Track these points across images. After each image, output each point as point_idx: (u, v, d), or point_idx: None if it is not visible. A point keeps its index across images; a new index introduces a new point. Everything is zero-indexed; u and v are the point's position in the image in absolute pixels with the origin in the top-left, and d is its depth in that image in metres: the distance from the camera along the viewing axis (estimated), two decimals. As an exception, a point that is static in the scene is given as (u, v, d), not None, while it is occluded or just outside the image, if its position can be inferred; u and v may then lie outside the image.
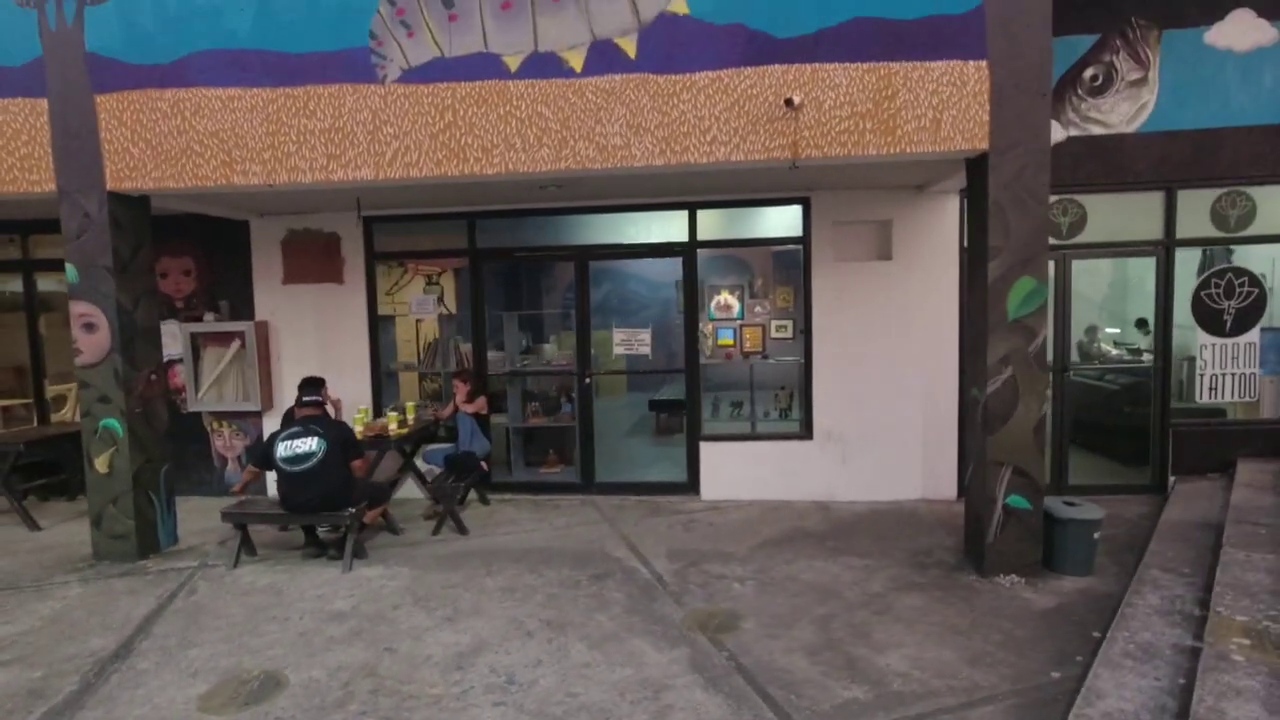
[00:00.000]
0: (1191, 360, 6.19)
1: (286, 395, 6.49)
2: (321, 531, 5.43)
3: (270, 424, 6.56)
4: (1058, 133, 5.82)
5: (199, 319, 6.82)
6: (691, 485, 6.57)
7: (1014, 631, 3.85)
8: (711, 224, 6.50)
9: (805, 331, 6.37)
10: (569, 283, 6.80)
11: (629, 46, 4.54)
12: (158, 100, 4.87)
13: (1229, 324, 6.01)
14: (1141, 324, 6.66)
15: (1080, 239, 6.08)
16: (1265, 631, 3.22)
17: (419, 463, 6.57)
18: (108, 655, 3.82)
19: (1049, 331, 5.96)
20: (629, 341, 6.70)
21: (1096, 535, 4.52)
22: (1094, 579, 4.48)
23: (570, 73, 4.61)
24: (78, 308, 5.08)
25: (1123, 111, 5.82)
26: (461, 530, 5.69)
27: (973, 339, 4.80)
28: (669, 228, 6.52)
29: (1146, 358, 6.32)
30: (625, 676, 3.49)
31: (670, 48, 4.52)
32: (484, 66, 4.66)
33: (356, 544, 5.06)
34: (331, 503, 4.93)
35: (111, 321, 5.06)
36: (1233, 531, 4.47)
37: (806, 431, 6.39)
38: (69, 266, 5.05)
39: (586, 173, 4.78)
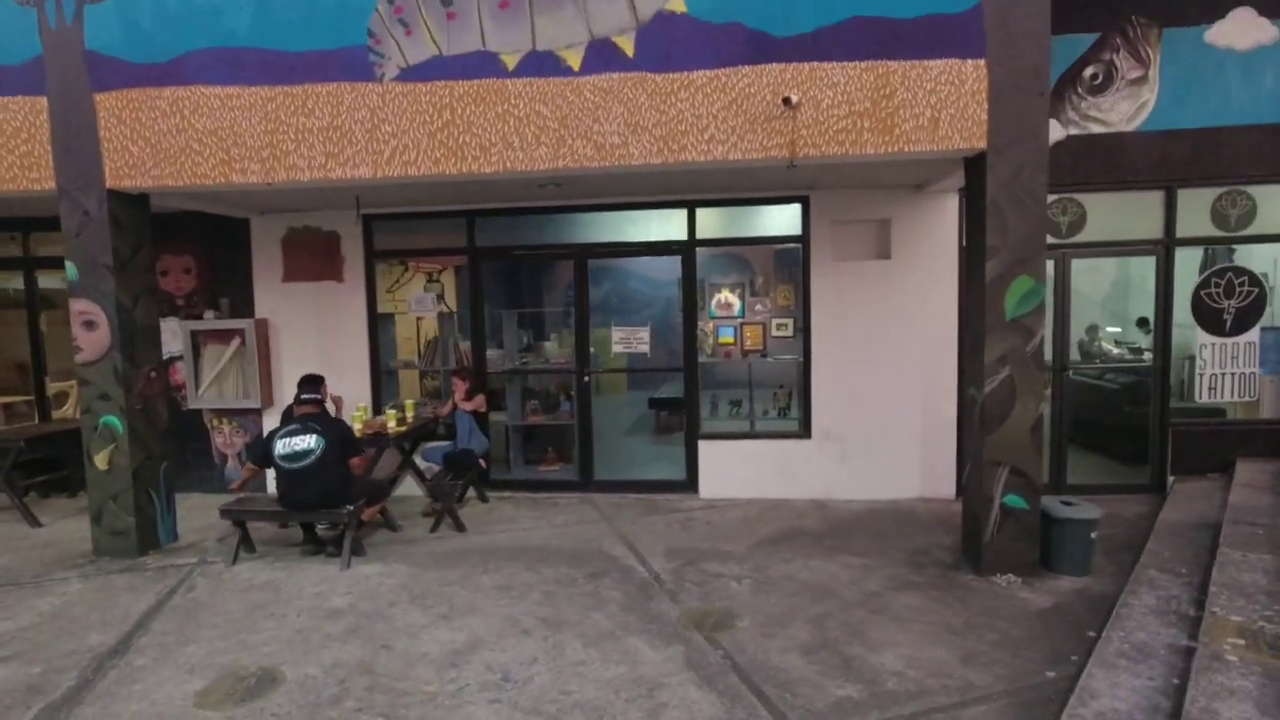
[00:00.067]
0: (1192, 359, 6.18)
1: (286, 393, 6.50)
2: (320, 529, 5.44)
3: (270, 421, 6.58)
4: (1057, 131, 5.81)
5: (199, 317, 6.84)
6: (690, 484, 6.57)
7: (1010, 631, 3.85)
8: (710, 222, 6.50)
9: (804, 330, 6.37)
10: (570, 281, 6.81)
11: (627, 45, 4.54)
12: (156, 99, 4.88)
13: (1229, 323, 6.00)
14: (1143, 323, 6.65)
15: (1080, 238, 6.07)
16: (1260, 632, 3.22)
17: (418, 460, 6.59)
18: (106, 651, 3.84)
19: (1048, 331, 6.03)
20: (628, 340, 6.71)
21: (1094, 535, 4.52)
22: (1091, 579, 4.48)
23: (568, 71, 4.62)
24: (78, 305, 5.10)
25: (1123, 110, 5.80)
26: (459, 528, 5.70)
27: (970, 338, 4.80)
28: (668, 226, 6.52)
29: (1147, 357, 6.31)
30: (620, 674, 3.50)
31: (668, 46, 4.52)
32: (482, 65, 4.66)
33: (355, 541, 5.08)
34: (329, 500, 4.95)
35: (111, 319, 5.08)
36: (1230, 532, 4.46)
37: (805, 430, 6.39)
38: (69, 264, 5.07)
39: (584, 171, 4.79)
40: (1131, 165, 5.86)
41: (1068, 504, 4.61)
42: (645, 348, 6.72)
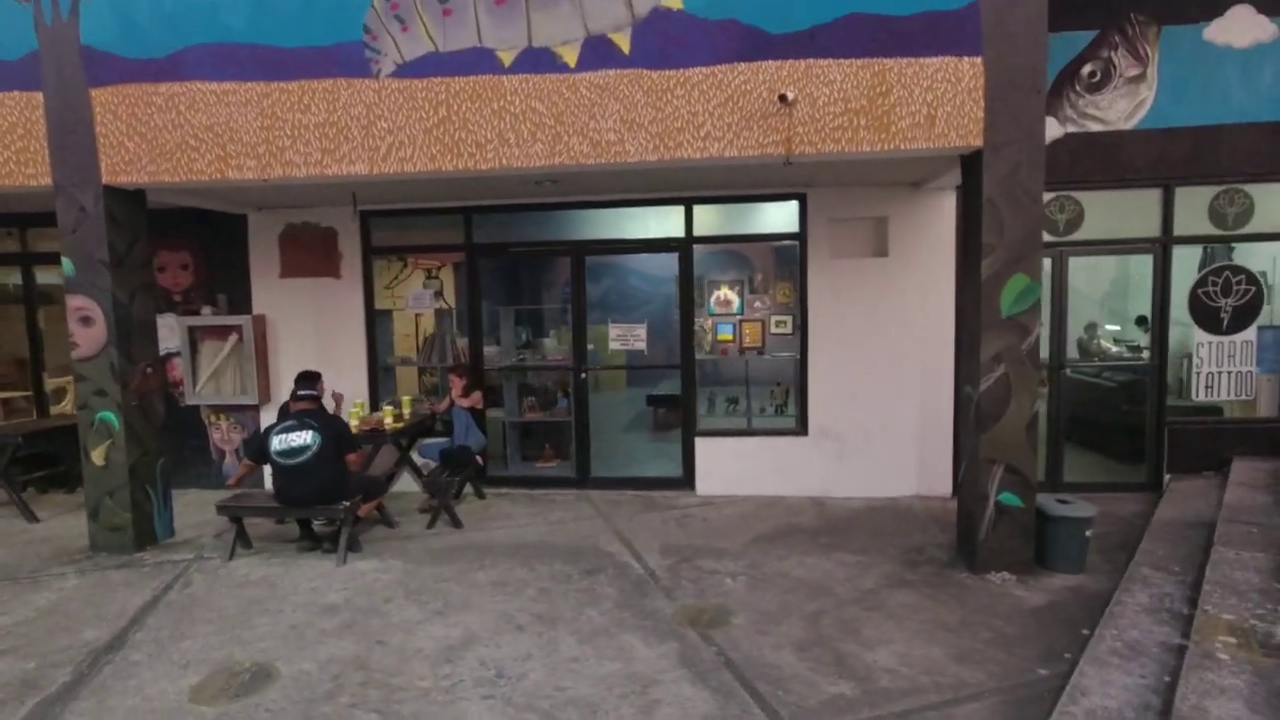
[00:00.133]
0: (1190, 358, 6.18)
1: (283, 389, 6.50)
2: (317, 525, 5.45)
3: (268, 417, 6.59)
4: (1055, 129, 5.80)
5: (196, 313, 6.84)
6: (687, 480, 6.58)
7: (1004, 629, 3.86)
8: (708, 220, 6.49)
9: (800, 328, 6.37)
10: (569, 278, 6.81)
11: (623, 42, 4.54)
12: (152, 94, 4.87)
13: (1226, 322, 6.00)
14: (1142, 321, 6.64)
15: (1077, 236, 6.07)
16: (1252, 630, 3.23)
17: (415, 457, 6.60)
18: (101, 646, 3.85)
19: (1045, 329, 6.04)
20: (624, 337, 6.71)
21: (1088, 533, 4.53)
22: (1085, 577, 4.48)
23: (564, 68, 4.61)
24: (74, 301, 5.10)
25: (1121, 108, 5.79)
26: (456, 524, 5.71)
27: (966, 336, 4.80)
28: (665, 223, 6.51)
29: (1146, 355, 6.31)
30: (614, 671, 3.50)
31: (664, 43, 4.51)
32: (478, 61, 4.66)
33: (351, 537, 5.09)
34: (326, 496, 4.95)
35: (108, 315, 5.08)
36: (1224, 530, 4.47)
37: (802, 427, 6.40)
38: (65, 260, 5.07)
39: (580, 168, 4.78)
40: (1129, 163, 5.85)
41: (1063, 502, 4.62)
42: (642, 345, 6.73)
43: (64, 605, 4.40)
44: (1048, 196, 5.91)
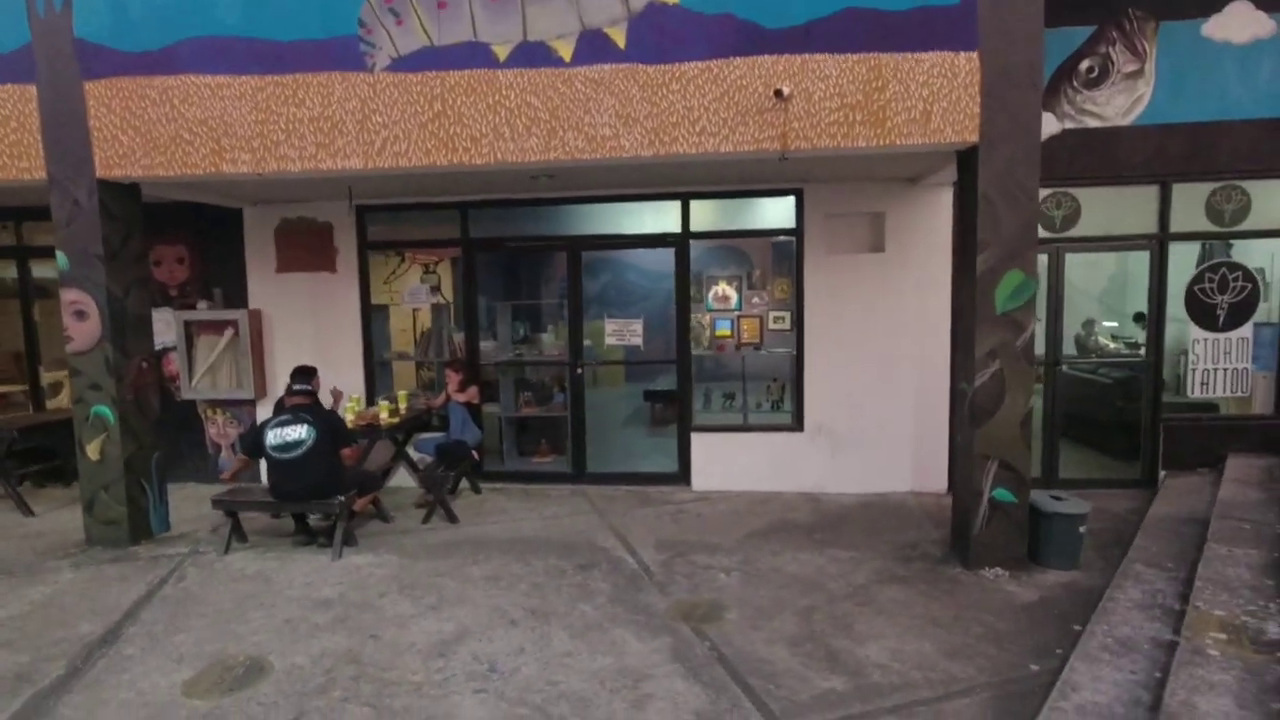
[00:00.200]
0: (1186, 355, 6.17)
1: (280, 384, 6.50)
2: (312, 519, 5.46)
3: (264, 412, 6.58)
4: (1053, 125, 5.78)
5: (192, 307, 6.83)
6: (682, 476, 6.58)
7: (995, 624, 3.87)
8: (704, 215, 6.48)
9: (797, 323, 6.37)
10: (566, 273, 6.79)
11: (618, 36, 4.52)
12: (146, 87, 4.85)
13: (1222, 319, 5.99)
14: (1139, 318, 6.64)
15: (1074, 232, 6.06)
16: (1242, 626, 3.23)
17: (411, 452, 6.60)
18: (95, 640, 3.86)
19: (1042, 325, 6.03)
20: (621, 332, 6.70)
21: (1082, 529, 4.53)
22: (1079, 573, 4.49)
23: (559, 62, 4.59)
24: (68, 295, 5.09)
25: (1118, 104, 5.78)
26: (451, 519, 5.71)
27: (961, 332, 4.79)
28: (661, 218, 6.50)
29: (1143, 352, 6.30)
30: (606, 665, 3.51)
31: (659, 38, 4.49)
32: (473, 55, 4.64)
33: (346, 532, 5.09)
34: (320, 491, 4.96)
35: (102, 309, 5.07)
36: (1218, 527, 4.47)
37: (797, 423, 6.40)
38: (59, 254, 5.06)
39: (576, 163, 4.77)
40: (1126, 159, 5.84)
41: (1057, 498, 4.62)
42: (638, 340, 6.72)
43: (59, 599, 4.40)
44: (1045, 193, 5.91)
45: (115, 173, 4.99)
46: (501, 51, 4.63)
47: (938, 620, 3.92)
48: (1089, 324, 7.28)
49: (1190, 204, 5.94)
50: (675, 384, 6.69)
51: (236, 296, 6.82)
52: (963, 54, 4.32)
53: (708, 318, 6.93)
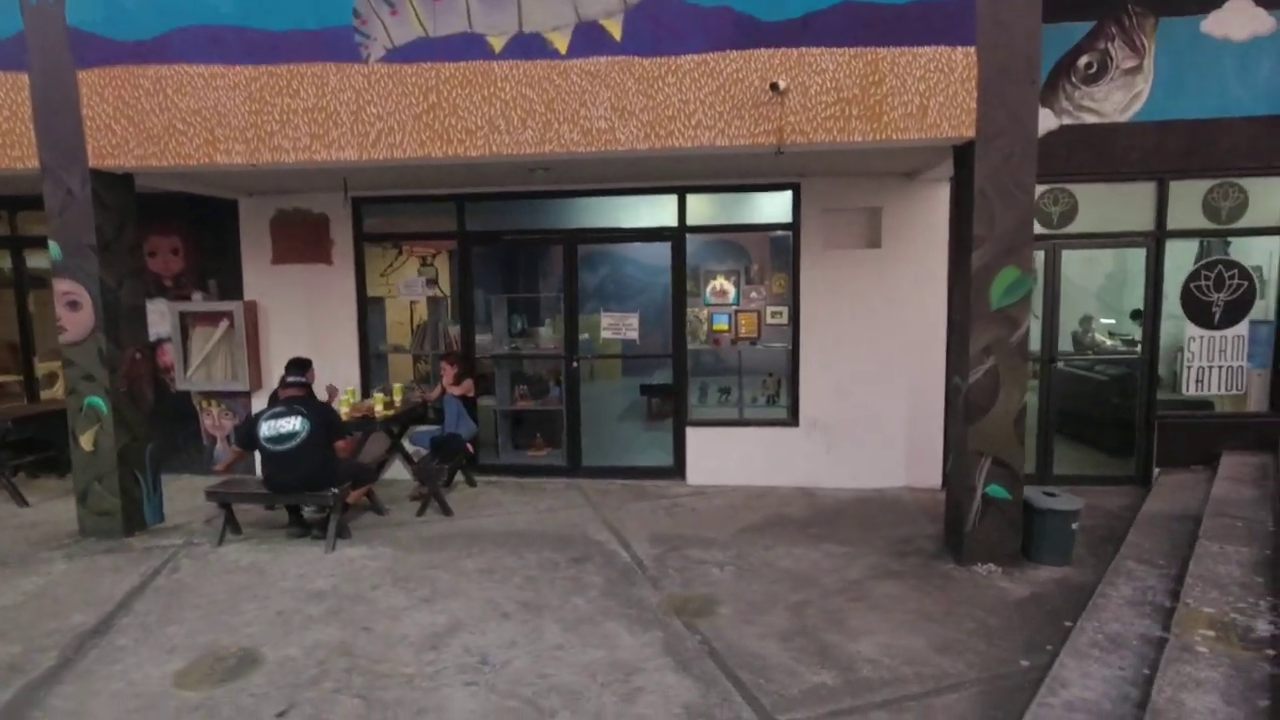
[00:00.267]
0: (1182, 352, 6.17)
1: (275, 375, 6.47)
2: (307, 511, 5.46)
3: (259, 404, 6.57)
4: (1051, 121, 5.76)
5: (188, 298, 6.81)
6: (677, 470, 6.59)
7: (987, 620, 3.88)
8: (701, 209, 6.47)
9: (793, 318, 6.36)
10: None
11: (614, 28, 4.49)
12: (140, 77, 4.83)
13: (1218, 316, 5.99)
14: (1137, 315, 6.64)
15: (1071, 229, 6.05)
16: (1232, 624, 3.24)
17: (406, 444, 6.59)
18: (88, 631, 3.86)
19: (1038, 321, 6.03)
20: (617, 326, 6.69)
21: (1075, 526, 4.54)
22: (1071, 569, 4.50)
23: (555, 54, 4.57)
24: (61, 285, 5.07)
25: (1117, 100, 5.76)
26: (446, 512, 5.72)
27: (956, 328, 4.79)
28: (658, 212, 6.48)
29: (1140, 349, 6.30)
30: (598, 659, 3.52)
31: (655, 30, 4.47)
32: (468, 47, 4.61)
33: (340, 524, 5.09)
34: (314, 483, 4.95)
35: (95, 299, 5.06)
36: (1210, 524, 4.48)
37: (793, 418, 6.40)
38: (52, 244, 5.04)
39: (571, 156, 4.75)
40: (1124, 156, 5.82)
41: (1050, 495, 4.63)
42: (634, 334, 6.71)
43: (51, 590, 4.40)
44: (1042, 189, 5.90)
45: (108, 162, 4.96)
46: (497, 43, 4.60)
47: (930, 615, 3.93)
48: (1086, 321, 7.27)
49: (1187, 201, 5.92)
50: (671, 378, 6.68)
51: (232, 288, 6.80)
52: (960, 49, 4.30)
53: (705, 312, 6.91)
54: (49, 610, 4.12)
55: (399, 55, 4.67)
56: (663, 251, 6.53)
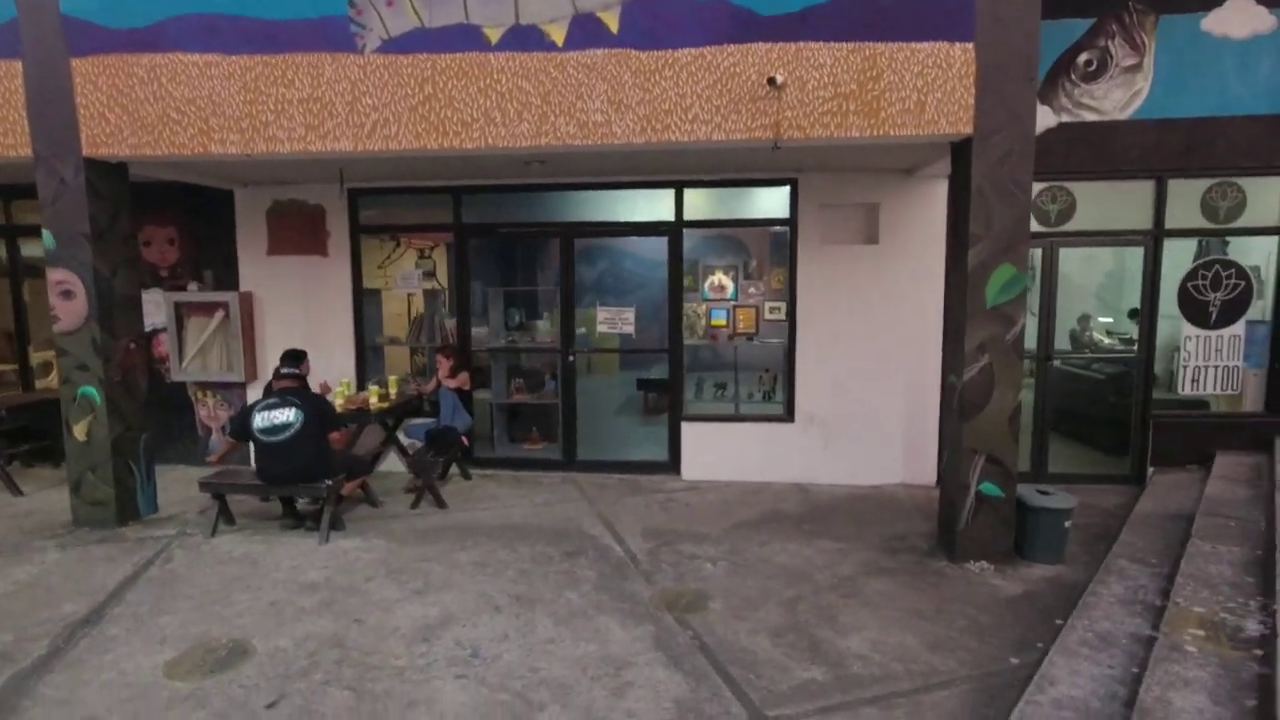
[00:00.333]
0: (1179, 351, 6.17)
1: (270, 367, 6.46)
2: (301, 503, 5.46)
3: (254, 395, 6.55)
4: (1049, 118, 5.74)
5: (183, 288, 6.79)
6: (673, 465, 6.59)
7: (978, 617, 3.88)
8: (698, 203, 6.45)
9: (790, 314, 6.35)
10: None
11: (611, 21, 4.47)
12: (134, 65, 4.79)
13: (1214, 316, 5.98)
14: (1134, 314, 6.63)
15: (1068, 227, 6.03)
16: (1221, 623, 3.25)
17: (401, 437, 6.59)
18: (79, 621, 3.86)
19: (1035, 319, 6.02)
20: (613, 320, 6.68)
21: (1067, 524, 4.55)
22: (1064, 567, 4.50)
23: (551, 46, 4.54)
24: (54, 274, 5.05)
25: (1116, 98, 5.73)
26: (440, 504, 5.72)
27: (951, 325, 4.78)
28: (655, 206, 6.46)
29: (1136, 348, 6.29)
30: (589, 653, 3.52)
31: (653, 23, 4.44)
32: (464, 38, 4.59)
33: (334, 516, 5.09)
34: (308, 474, 4.95)
35: (89, 289, 5.04)
36: (1202, 523, 4.49)
37: (788, 414, 6.40)
38: (45, 232, 5.02)
39: (568, 149, 4.73)
40: (1123, 154, 5.80)
41: (1043, 493, 4.63)
42: (630, 328, 6.70)
43: (44, 579, 4.40)
44: (1040, 186, 5.89)
45: (102, 151, 4.94)
46: (493, 34, 4.57)
47: (921, 613, 3.94)
48: (1084, 319, 7.26)
49: (1186, 200, 5.91)
50: (668, 372, 6.67)
51: (227, 279, 6.78)
52: (958, 45, 4.27)
53: (704, 307, 6.90)
54: (41, 599, 4.12)
55: (394, 46, 4.64)
56: (661, 246, 6.51)
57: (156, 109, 4.83)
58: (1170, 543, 4.47)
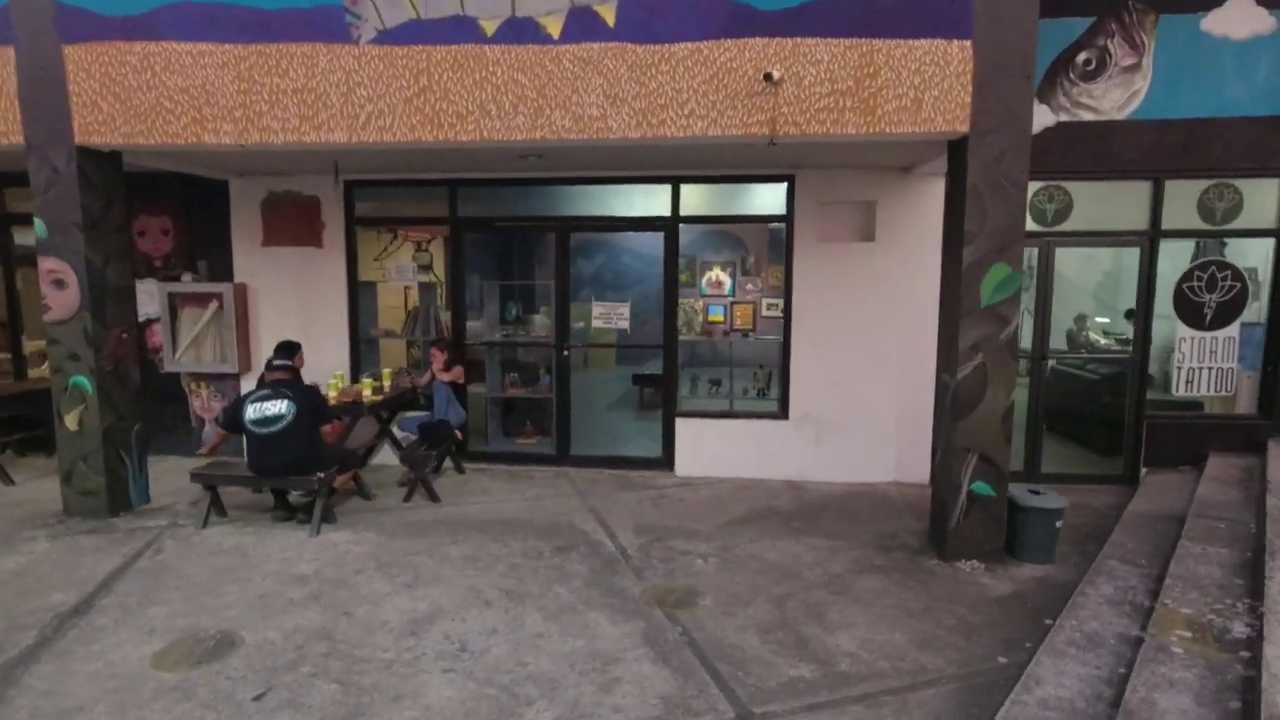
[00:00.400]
0: (1174, 352, 6.16)
1: (264, 358, 6.44)
2: (292, 495, 5.44)
3: (248, 386, 6.53)
4: (1048, 117, 5.72)
5: (177, 279, 6.77)
6: (666, 461, 6.58)
7: (967, 616, 3.89)
8: (695, 199, 6.42)
9: (785, 311, 6.34)
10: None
11: (608, 14, 4.44)
12: (127, 53, 4.76)
13: (1209, 317, 5.98)
14: (1131, 314, 6.62)
15: (1065, 226, 6.01)
16: (1208, 625, 3.25)
17: (395, 430, 6.58)
18: (68, 611, 3.85)
19: (1030, 319, 6.01)
20: (608, 315, 6.67)
21: (1058, 524, 4.55)
22: (1054, 567, 4.51)
23: (548, 39, 4.52)
24: (46, 263, 5.03)
25: (1114, 98, 5.71)
26: (433, 498, 5.71)
27: (945, 324, 4.78)
28: (652, 201, 6.44)
29: (1131, 348, 6.29)
30: (577, 648, 3.52)
31: (649, 16, 4.42)
32: (460, 30, 4.56)
33: (326, 509, 5.09)
34: (299, 466, 4.94)
35: (81, 279, 5.02)
36: (1193, 525, 4.49)
37: (782, 411, 6.39)
38: (37, 222, 4.99)
39: (563, 143, 4.71)
40: (1121, 154, 5.78)
41: (1035, 493, 4.63)
42: (625, 324, 6.69)
43: (33, 569, 4.39)
44: (1037, 186, 5.87)
45: (95, 140, 4.91)
46: (489, 26, 4.55)
47: (910, 611, 3.94)
48: (1081, 319, 7.26)
49: (1183, 201, 5.89)
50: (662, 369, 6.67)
51: (222, 269, 6.76)
52: (956, 42, 4.26)
53: (701, 303, 6.89)
54: (30, 589, 4.11)
55: (390, 37, 4.61)
56: (658, 241, 6.50)
57: (150, 98, 4.80)
58: (1161, 544, 4.47)
